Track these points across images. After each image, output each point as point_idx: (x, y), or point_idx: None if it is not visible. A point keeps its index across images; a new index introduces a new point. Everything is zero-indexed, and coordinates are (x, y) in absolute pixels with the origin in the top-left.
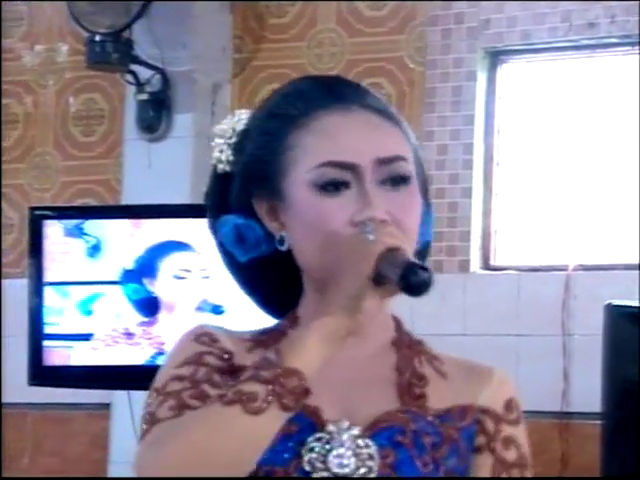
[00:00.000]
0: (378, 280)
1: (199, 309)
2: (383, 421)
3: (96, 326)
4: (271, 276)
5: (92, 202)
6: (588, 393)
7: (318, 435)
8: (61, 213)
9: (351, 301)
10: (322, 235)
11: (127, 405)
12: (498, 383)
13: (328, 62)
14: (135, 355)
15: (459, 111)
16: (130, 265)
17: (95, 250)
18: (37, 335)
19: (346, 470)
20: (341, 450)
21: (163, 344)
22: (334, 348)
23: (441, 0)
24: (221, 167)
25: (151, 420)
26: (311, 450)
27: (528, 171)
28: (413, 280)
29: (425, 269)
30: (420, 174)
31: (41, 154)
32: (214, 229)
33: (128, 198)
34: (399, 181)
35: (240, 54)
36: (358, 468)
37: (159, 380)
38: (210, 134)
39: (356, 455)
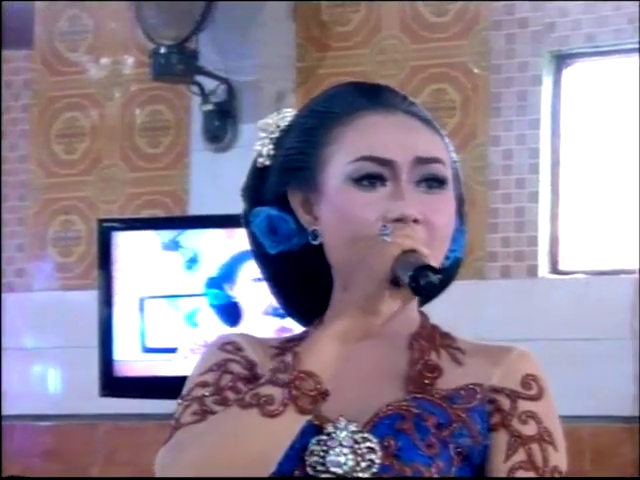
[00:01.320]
0: (396, 283)
1: (267, 313)
2: (383, 412)
3: (190, 338)
4: (299, 272)
5: (159, 213)
6: None
7: (317, 438)
8: (129, 224)
9: (367, 303)
10: (351, 229)
11: None
12: (514, 360)
13: (391, 69)
14: None
15: (525, 115)
16: (214, 273)
17: (192, 262)
18: (107, 346)
19: (345, 468)
20: (338, 449)
21: None
22: (346, 349)
23: (505, 0)
24: (261, 161)
25: (175, 425)
26: (312, 454)
27: (595, 174)
28: (422, 282)
29: (436, 271)
30: (457, 190)
31: (108, 166)
32: (247, 221)
33: (195, 208)
34: (435, 183)
35: (304, 62)
36: (358, 464)
37: (185, 387)
38: None
39: (354, 451)
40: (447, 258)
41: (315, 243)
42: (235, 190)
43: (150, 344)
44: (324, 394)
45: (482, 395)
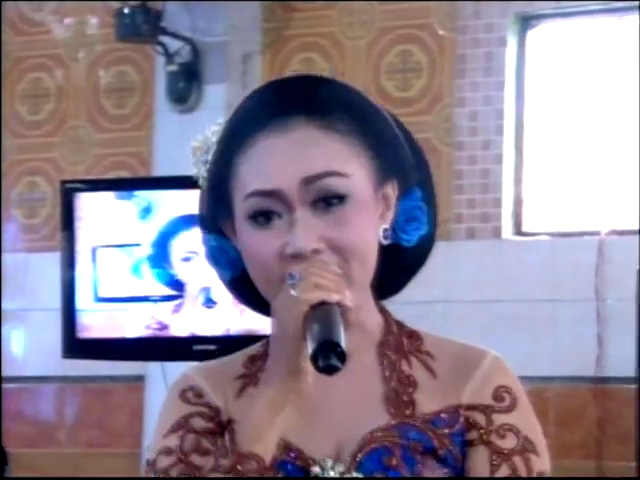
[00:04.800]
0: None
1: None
2: (367, 445)
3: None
4: (257, 291)
5: (125, 174)
6: (623, 358)
7: None
8: (93, 186)
9: (289, 364)
10: (256, 270)
11: (161, 377)
12: (485, 372)
13: (359, 30)
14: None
15: (490, 76)
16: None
17: (146, 212)
18: (70, 307)
19: None
20: None
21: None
22: (284, 413)
23: None
24: (201, 183)
25: None
26: None
27: (560, 136)
28: (321, 364)
29: (337, 346)
30: (405, 163)
31: (73, 127)
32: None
33: (160, 170)
34: (333, 199)
35: (270, 23)
36: None
37: (152, 449)
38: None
39: None
40: (408, 241)
41: None
42: None
43: (103, 294)
44: (269, 469)
45: (460, 417)
